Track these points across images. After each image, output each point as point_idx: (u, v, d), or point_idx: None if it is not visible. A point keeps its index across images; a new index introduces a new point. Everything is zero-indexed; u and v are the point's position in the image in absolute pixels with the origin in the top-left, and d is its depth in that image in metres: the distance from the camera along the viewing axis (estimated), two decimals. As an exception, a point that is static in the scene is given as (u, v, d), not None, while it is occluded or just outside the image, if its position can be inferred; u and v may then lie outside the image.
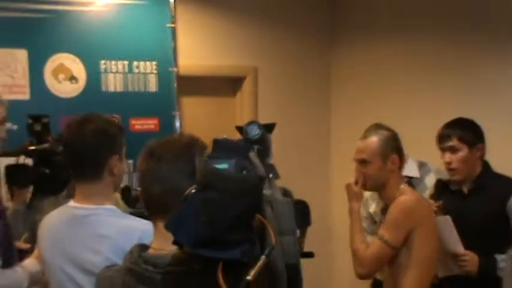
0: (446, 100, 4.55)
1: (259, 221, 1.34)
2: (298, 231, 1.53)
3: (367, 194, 4.09)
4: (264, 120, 5.30)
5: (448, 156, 3.39)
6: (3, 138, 2.61)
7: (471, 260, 3.26)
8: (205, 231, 1.29)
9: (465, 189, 3.45)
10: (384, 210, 3.81)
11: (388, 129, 3.29)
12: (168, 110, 4.88)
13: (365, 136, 3.22)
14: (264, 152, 1.63)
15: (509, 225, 3.27)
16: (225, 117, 5.55)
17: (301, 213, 1.57)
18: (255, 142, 1.64)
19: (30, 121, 3.47)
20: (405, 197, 3.04)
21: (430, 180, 3.88)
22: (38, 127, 3.46)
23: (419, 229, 2.97)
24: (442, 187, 3.61)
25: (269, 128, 1.69)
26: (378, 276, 4.07)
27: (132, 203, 3.20)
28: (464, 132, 3.41)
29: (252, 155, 1.48)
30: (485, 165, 3.45)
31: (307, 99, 5.73)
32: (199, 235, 1.30)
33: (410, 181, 3.84)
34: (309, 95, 5.75)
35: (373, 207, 4.08)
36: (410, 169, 3.82)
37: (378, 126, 3.47)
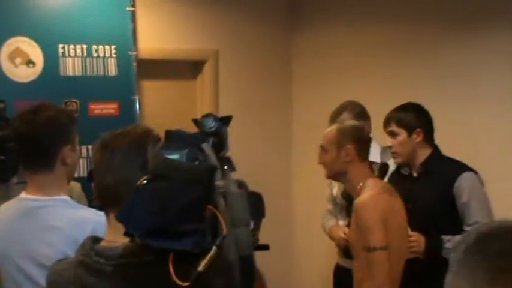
0: (405, 82, 4.60)
1: (211, 212, 1.34)
2: (252, 223, 1.53)
3: None
4: (225, 103, 5.33)
5: (389, 140, 3.54)
6: None
7: (418, 241, 3.35)
8: (155, 221, 1.30)
9: (415, 173, 3.57)
10: (344, 194, 3.87)
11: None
12: (127, 94, 4.82)
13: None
14: (220, 144, 1.63)
15: (456, 206, 3.37)
16: (186, 101, 5.52)
17: (255, 205, 1.58)
18: (210, 135, 1.62)
19: None
20: (362, 197, 3.06)
21: (392, 165, 3.93)
22: None
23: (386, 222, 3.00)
24: (395, 171, 3.69)
25: (225, 120, 1.71)
26: (341, 262, 4.11)
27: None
28: (404, 116, 3.51)
29: (206, 146, 1.48)
30: (435, 149, 3.55)
31: (268, 82, 5.72)
32: (150, 225, 1.30)
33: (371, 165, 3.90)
34: (270, 77, 5.74)
35: (335, 189, 4.12)
36: (372, 154, 3.85)
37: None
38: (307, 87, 5.66)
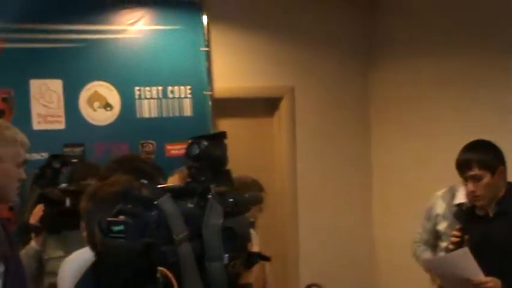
0: (493, 118, 4.42)
1: (163, 273, 1.46)
2: (226, 257, 1.58)
3: (437, 210, 3.82)
4: (302, 139, 5.28)
5: (470, 185, 3.23)
6: (22, 179, 2.59)
7: (495, 287, 3.14)
8: None
9: (490, 213, 3.32)
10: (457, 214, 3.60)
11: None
12: (203, 133, 4.80)
13: None
14: (206, 167, 1.72)
15: None
16: (262, 139, 5.50)
17: (229, 238, 1.61)
18: (196, 159, 1.73)
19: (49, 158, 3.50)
20: None
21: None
22: (56, 164, 3.49)
23: None
24: (466, 212, 3.47)
25: (218, 137, 1.82)
26: None
27: None
28: (485, 157, 3.24)
29: (164, 200, 1.57)
30: (509, 187, 3.32)
31: (345, 117, 5.64)
32: None
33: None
34: (348, 113, 5.65)
35: (444, 226, 3.84)
36: (461, 196, 3.66)
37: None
38: (385, 123, 5.54)
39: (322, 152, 5.42)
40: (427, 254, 3.91)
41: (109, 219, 1.49)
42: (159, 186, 1.77)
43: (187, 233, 1.54)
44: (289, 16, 5.38)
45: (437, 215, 3.78)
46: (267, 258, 1.83)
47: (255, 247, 1.89)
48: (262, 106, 5.55)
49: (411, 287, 4.60)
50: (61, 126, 4.54)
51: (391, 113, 5.45)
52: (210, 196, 1.66)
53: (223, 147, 1.84)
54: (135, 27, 4.77)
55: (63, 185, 3.29)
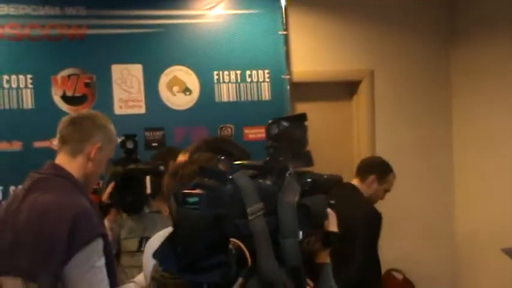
0: None
1: (236, 245, 1.48)
2: (300, 234, 1.58)
3: None
4: (382, 123, 5.20)
5: None
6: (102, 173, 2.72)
7: None
8: (184, 260, 1.50)
9: None
10: None
11: None
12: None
13: None
14: (285, 147, 1.76)
15: None
16: (341, 122, 5.44)
17: (304, 215, 1.61)
18: (275, 139, 1.76)
19: (123, 139, 3.55)
20: None
21: None
22: (130, 145, 3.54)
23: None
24: None
25: (298, 118, 1.84)
26: None
27: None
28: None
29: (239, 175, 1.57)
30: None
31: (426, 100, 5.51)
32: (181, 263, 1.50)
33: None
34: (428, 97, 5.52)
35: None
36: None
37: None
38: (467, 104, 5.38)
39: (401, 136, 5.32)
40: None
41: (184, 191, 1.52)
42: (236, 162, 1.76)
43: (262, 208, 1.54)
44: (368, -2, 5.30)
45: None
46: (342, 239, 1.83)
47: (332, 227, 1.88)
48: (340, 90, 5.49)
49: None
50: (141, 110, 4.62)
51: (473, 95, 5.29)
52: (287, 175, 1.66)
53: (304, 129, 1.84)
54: (213, 12, 4.79)
55: (142, 165, 3.34)
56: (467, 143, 5.37)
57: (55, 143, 2.67)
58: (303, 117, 1.87)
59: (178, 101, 4.71)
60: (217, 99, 4.78)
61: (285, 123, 1.81)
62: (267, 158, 1.75)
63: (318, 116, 5.35)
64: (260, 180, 1.64)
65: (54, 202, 2.38)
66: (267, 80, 4.86)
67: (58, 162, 2.55)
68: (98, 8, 4.54)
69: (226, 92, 4.78)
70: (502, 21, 4.92)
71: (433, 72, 5.52)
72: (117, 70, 4.60)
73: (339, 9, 5.24)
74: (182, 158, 3.19)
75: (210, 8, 4.79)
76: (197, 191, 1.52)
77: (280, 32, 4.93)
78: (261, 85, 4.85)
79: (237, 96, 4.80)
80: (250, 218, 1.52)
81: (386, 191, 4.09)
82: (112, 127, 2.66)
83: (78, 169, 2.55)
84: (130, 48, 4.61)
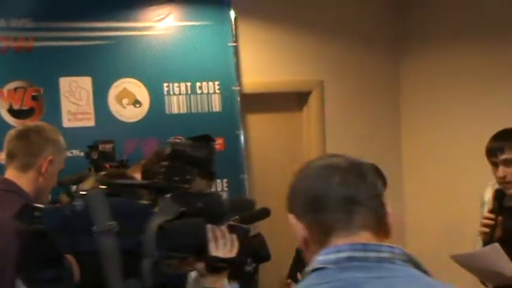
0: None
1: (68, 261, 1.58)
2: (157, 255, 1.63)
3: (485, 197, 3.79)
4: (332, 133, 5.23)
5: (501, 170, 3.18)
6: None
7: None
8: (22, 272, 1.65)
9: None
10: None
11: None
12: (232, 129, 4.84)
13: None
14: (180, 167, 1.85)
15: None
16: (291, 133, 5.48)
17: (162, 237, 1.67)
18: (165, 159, 1.85)
19: (88, 149, 3.52)
20: None
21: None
22: (94, 155, 3.52)
23: None
24: (496, 203, 3.43)
25: (201, 139, 1.95)
26: None
27: None
28: None
29: (94, 193, 1.65)
30: None
31: (375, 111, 5.58)
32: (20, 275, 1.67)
33: None
34: (378, 106, 5.59)
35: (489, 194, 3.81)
36: None
37: None
38: (415, 115, 5.48)
39: (352, 146, 5.36)
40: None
41: (35, 205, 1.59)
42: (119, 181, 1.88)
43: (114, 226, 1.57)
44: (316, 9, 5.34)
45: (483, 203, 3.76)
46: (231, 265, 1.90)
47: (222, 252, 1.92)
48: (291, 100, 5.53)
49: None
50: (91, 123, 4.58)
51: (421, 105, 5.39)
52: (166, 196, 1.74)
53: (209, 149, 1.91)
54: (163, 24, 4.78)
55: None
56: (417, 155, 5.46)
57: (2, 157, 2.63)
58: (207, 138, 1.93)
59: (128, 114, 4.67)
60: (167, 111, 4.75)
61: (181, 144, 1.87)
62: (160, 177, 1.81)
63: (269, 127, 5.38)
64: (121, 199, 1.69)
65: (6, 218, 2.34)
66: (218, 91, 4.86)
67: (8, 177, 2.51)
68: (45, 20, 4.48)
69: (176, 104, 4.77)
70: (448, 33, 5.04)
71: (382, 83, 5.59)
72: (66, 83, 4.54)
73: (288, 21, 5.28)
74: (133, 171, 3.18)
75: (160, 20, 4.78)
76: (42, 205, 1.59)
77: (229, 44, 4.94)
78: (211, 97, 4.85)
79: (187, 108, 4.79)
80: (95, 235, 1.55)
81: None
82: (61, 138, 2.64)
83: (29, 184, 2.51)
84: (78, 61, 4.56)
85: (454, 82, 4.99)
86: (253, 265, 2.07)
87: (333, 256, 1.37)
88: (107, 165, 3.43)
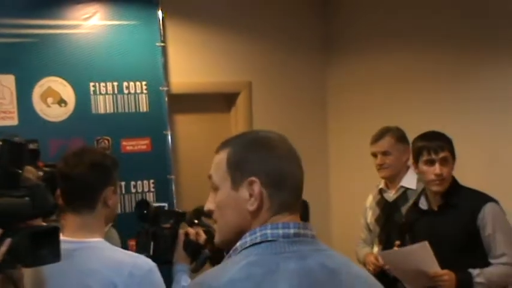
0: (442, 109, 4.49)
1: None
2: None
3: (366, 203, 4.10)
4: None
5: (439, 167, 3.32)
6: None
7: (450, 279, 3.22)
8: None
9: (435, 207, 3.43)
10: (378, 220, 3.84)
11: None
12: (159, 129, 4.81)
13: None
14: None
15: (481, 238, 3.25)
16: (219, 134, 5.44)
17: None
18: None
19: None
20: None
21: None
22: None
23: None
24: (411, 206, 3.61)
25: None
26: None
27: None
28: (450, 143, 3.39)
29: None
30: (453, 180, 3.42)
31: (303, 113, 5.66)
32: None
33: (406, 191, 3.86)
34: (305, 108, 5.67)
35: (369, 217, 4.06)
36: (409, 180, 3.78)
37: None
38: (342, 117, 5.58)
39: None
40: (366, 249, 4.05)
41: None
42: None
43: None
44: (245, 11, 5.38)
45: (366, 209, 4.02)
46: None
47: None
48: (219, 101, 5.54)
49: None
50: (14, 122, 4.46)
51: (348, 106, 5.49)
52: None
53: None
54: (89, 22, 4.71)
55: None
56: (343, 154, 5.56)
57: None
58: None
59: (53, 113, 4.58)
60: (94, 111, 4.69)
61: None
62: None
63: (197, 128, 5.37)
64: None
65: None
66: (145, 91, 4.83)
67: None
68: (-34, 16, 4.36)
69: (103, 104, 4.71)
70: (376, 33, 5.15)
71: (309, 83, 5.68)
72: (-13, 81, 4.43)
73: (217, 22, 5.29)
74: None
75: (86, 19, 4.71)
76: None
77: (157, 44, 4.91)
78: (138, 97, 4.81)
79: (114, 108, 4.73)
80: None
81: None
82: None
83: None
84: (1, 58, 4.44)
85: (379, 82, 5.11)
86: None
87: (281, 231, 1.56)
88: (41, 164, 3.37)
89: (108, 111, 4.72)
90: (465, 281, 3.22)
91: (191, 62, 5.22)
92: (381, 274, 3.74)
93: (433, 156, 3.33)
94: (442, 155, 3.32)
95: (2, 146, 1.91)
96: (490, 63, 4.15)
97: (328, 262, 1.58)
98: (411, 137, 3.62)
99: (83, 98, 4.66)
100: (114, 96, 4.74)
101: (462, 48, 4.35)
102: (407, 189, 3.86)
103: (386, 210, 3.95)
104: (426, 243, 3.23)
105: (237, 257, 1.55)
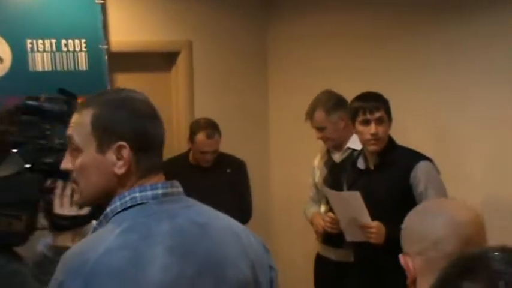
0: (377, 68, 4.53)
1: None
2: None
3: (314, 162, 4.15)
4: (201, 94, 5.27)
5: (374, 127, 3.39)
6: None
7: (378, 231, 3.31)
8: None
9: (371, 166, 3.52)
10: (326, 180, 3.92)
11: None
12: (99, 88, 4.65)
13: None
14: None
15: (414, 196, 3.32)
16: (160, 94, 5.44)
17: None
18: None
19: None
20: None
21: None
22: None
23: None
24: (350, 166, 3.70)
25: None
26: (322, 251, 4.12)
27: None
28: (386, 103, 3.45)
29: None
30: (390, 140, 3.50)
31: (243, 72, 5.66)
32: None
33: (352, 152, 3.91)
34: (246, 67, 5.68)
35: (317, 176, 4.13)
36: (356, 142, 3.85)
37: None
38: (282, 76, 5.61)
39: (220, 106, 5.43)
40: (314, 208, 4.12)
41: None
42: None
43: None
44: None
45: (314, 168, 4.09)
46: (75, 223, 1.95)
47: (63, 209, 1.97)
48: (159, 60, 5.50)
49: (302, 240, 4.75)
50: None
51: (289, 67, 5.51)
52: (13, 151, 1.85)
53: (62, 104, 2.05)
54: (26, -23, 4.58)
55: None
56: (282, 115, 5.59)
57: None
58: (63, 92, 2.07)
59: (-12, 70, 4.48)
60: (31, 69, 4.59)
61: (35, 99, 1.98)
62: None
63: (137, 87, 5.24)
64: None
65: None
66: (84, 49, 4.74)
67: None
68: None
69: (41, 61, 4.61)
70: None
71: (250, 43, 5.67)
72: None
73: (157, -21, 5.22)
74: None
75: (23, -27, 4.58)
76: None
77: (97, 1, 4.81)
78: (77, 54, 4.72)
79: (52, 66, 4.65)
80: None
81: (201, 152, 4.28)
82: None
83: None
84: None
85: (320, 43, 5.12)
86: None
87: (150, 193, 1.60)
88: None
89: (46, 69, 4.63)
90: (394, 234, 3.30)
91: (131, 20, 5.14)
92: (327, 234, 3.83)
93: (368, 116, 3.39)
94: (377, 115, 3.39)
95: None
96: (435, 24, 4.14)
97: (197, 218, 1.63)
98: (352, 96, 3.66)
99: (20, 55, 4.55)
100: (52, 53, 4.65)
101: (406, 8, 4.37)
102: (353, 150, 3.92)
103: (334, 171, 4.01)
104: (357, 193, 3.33)
105: (110, 224, 1.57)
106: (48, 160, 1.85)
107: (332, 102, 4.01)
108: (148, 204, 1.59)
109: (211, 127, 4.36)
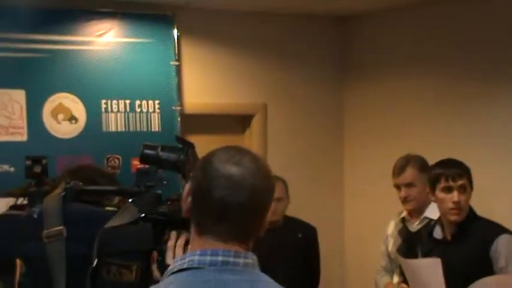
0: (458, 133, 4.38)
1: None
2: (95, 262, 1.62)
3: (388, 230, 3.99)
4: (274, 158, 5.17)
5: (457, 195, 3.22)
6: None
7: None
8: None
9: (449, 236, 3.33)
10: (400, 249, 3.72)
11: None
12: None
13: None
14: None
15: (493, 270, 3.15)
16: (233, 156, 5.38)
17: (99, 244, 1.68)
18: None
19: (29, 163, 3.34)
20: None
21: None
22: (37, 169, 3.35)
23: None
24: (427, 236, 3.51)
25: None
26: None
27: None
28: (469, 173, 3.30)
29: (49, 198, 1.75)
30: (471, 211, 3.32)
31: (318, 136, 5.56)
32: None
33: (429, 222, 3.73)
34: (320, 131, 5.57)
35: (390, 245, 3.95)
36: (433, 211, 3.64)
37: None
38: (359, 141, 5.47)
39: (294, 171, 5.30)
40: (386, 278, 3.94)
41: None
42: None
43: (62, 232, 1.59)
44: (261, 32, 5.31)
45: (387, 237, 3.92)
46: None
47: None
48: (233, 123, 5.45)
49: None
50: (23, 138, 4.39)
51: (364, 131, 5.39)
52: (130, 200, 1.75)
53: (179, 153, 1.95)
54: (103, 39, 4.65)
55: None
56: (358, 180, 5.44)
57: None
58: (180, 140, 1.94)
59: (63, 129, 4.51)
60: (104, 129, 4.61)
61: (152, 147, 1.88)
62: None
63: (210, 149, 5.26)
64: (78, 205, 1.72)
65: None
66: (157, 110, 4.75)
67: None
68: (-22, 30, 4.30)
69: (114, 122, 4.63)
70: (394, 61, 5.07)
71: (325, 106, 5.59)
72: (-2, 95, 4.36)
73: (233, 42, 5.21)
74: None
75: (100, 35, 4.64)
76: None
77: (172, 63, 4.84)
78: (150, 116, 4.73)
79: (125, 127, 4.66)
80: (45, 240, 1.58)
81: None
82: None
83: None
84: (12, 73, 4.39)
85: (397, 109, 5.02)
86: None
87: (209, 258, 1.51)
88: (47, 181, 3.30)
89: (119, 130, 4.65)
90: None
91: (206, 82, 5.13)
92: None
93: (451, 183, 3.24)
94: (460, 182, 3.24)
95: None
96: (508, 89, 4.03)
97: None
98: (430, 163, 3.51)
99: (94, 116, 4.59)
100: (126, 114, 4.67)
101: (481, 73, 4.26)
102: (430, 220, 3.72)
103: (409, 240, 3.82)
104: (438, 260, 3.14)
105: (162, 283, 1.54)
106: (162, 209, 1.80)
107: (423, 162, 3.87)
108: (203, 270, 1.51)
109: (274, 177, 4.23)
